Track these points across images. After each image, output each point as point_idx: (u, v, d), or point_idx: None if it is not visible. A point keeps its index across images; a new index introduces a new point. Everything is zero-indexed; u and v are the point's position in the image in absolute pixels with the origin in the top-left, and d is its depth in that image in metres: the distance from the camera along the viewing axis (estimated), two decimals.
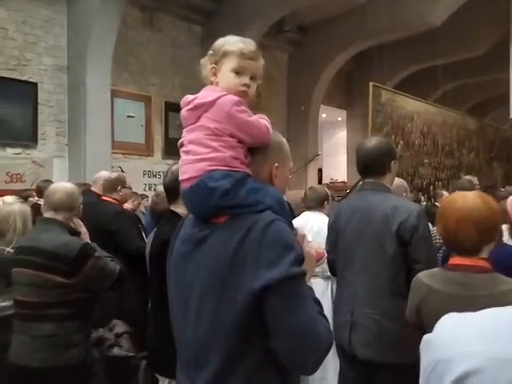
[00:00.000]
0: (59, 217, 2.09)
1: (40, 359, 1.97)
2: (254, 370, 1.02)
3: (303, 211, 3.42)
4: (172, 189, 1.91)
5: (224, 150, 1.05)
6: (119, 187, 3.21)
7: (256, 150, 1.11)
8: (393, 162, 2.03)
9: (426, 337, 0.68)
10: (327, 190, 3.45)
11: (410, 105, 7.43)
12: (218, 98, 1.06)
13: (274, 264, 0.98)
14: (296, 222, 3.12)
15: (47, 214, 2.11)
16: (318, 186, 3.72)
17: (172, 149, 7.51)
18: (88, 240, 2.20)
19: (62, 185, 2.23)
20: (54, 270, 1.95)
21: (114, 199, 3.20)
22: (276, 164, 1.12)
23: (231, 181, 1.03)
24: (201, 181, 1.05)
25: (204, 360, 1.06)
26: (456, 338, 0.62)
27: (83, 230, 2.22)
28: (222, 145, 1.05)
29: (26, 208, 2.49)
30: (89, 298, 2.08)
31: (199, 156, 1.06)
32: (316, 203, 3.29)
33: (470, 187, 3.60)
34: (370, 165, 2.02)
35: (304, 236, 1.16)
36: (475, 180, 4.03)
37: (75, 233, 2.14)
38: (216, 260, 1.04)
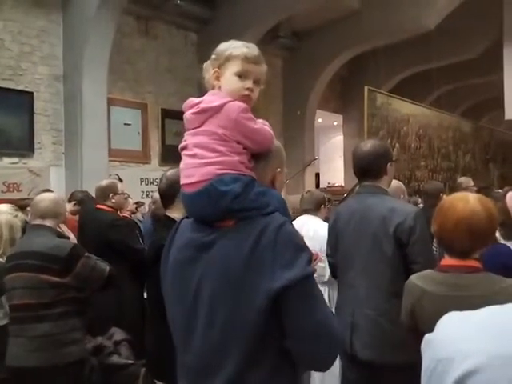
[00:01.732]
0: (48, 223, 2.20)
1: (37, 359, 2.02)
2: (270, 375, 1.02)
3: (300, 215, 3.38)
4: (167, 194, 1.90)
5: (232, 155, 1.05)
6: (111, 194, 3.20)
7: (259, 155, 1.12)
8: (389, 165, 2.03)
9: (426, 336, 0.68)
10: (324, 195, 3.43)
11: (406, 108, 7.46)
12: (225, 103, 1.06)
13: (291, 264, 1.00)
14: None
15: (36, 222, 2.22)
16: (314, 190, 3.71)
17: (169, 156, 7.52)
18: None
19: (47, 194, 2.39)
20: (48, 270, 2.04)
21: (108, 207, 3.20)
22: (279, 169, 1.15)
23: (241, 184, 1.04)
24: (210, 185, 1.04)
25: (217, 366, 1.04)
26: (457, 336, 0.62)
27: (71, 236, 2.33)
28: (230, 150, 1.05)
29: (14, 218, 2.61)
30: (82, 298, 2.17)
31: (207, 160, 1.05)
32: (313, 206, 3.26)
33: (436, 192, 3.61)
34: (366, 168, 2.02)
35: (302, 238, 1.18)
36: (470, 181, 4.02)
37: (64, 237, 2.25)
38: (229, 263, 1.03)
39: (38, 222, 2.20)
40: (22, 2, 6.23)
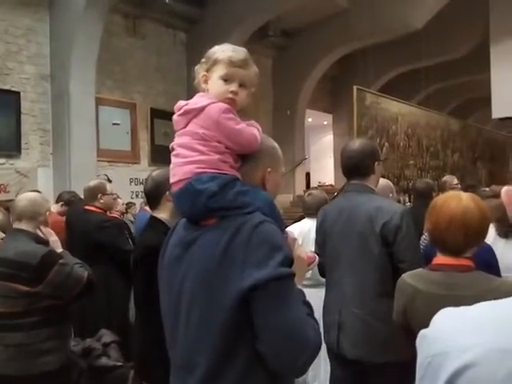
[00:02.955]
0: (24, 226, 2.08)
1: (14, 368, 1.96)
2: (244, 374, 1.02)
3: (303, 217, 3.28)
4: (153, 195, 1.88)
5: (212, 154, 1.06)
6: (99, 195, 3.17)
7: (248, 155, 1.12)
8: (376, 164, 2.04)
9: (422, 332, 0.67)
10: (326, 195, 3.29)
11: (394, 107, 7.51)
12: (208, 104, 1.08)
13: (261, 264, 0.98)
14: (297, 229, 3.03)
15: (14, 225, 2.12)
16: (316, 192, 3.51)
17: (158, 155, 7.48)
18: (59, 248, 2.19)
19: (26, 194, 2.23)
20: (18, 278, 1.94)
21: (96, 208, 3.17)
22: (269, 169, 1.14)
23: (219, 183, 1.04)
24: (189, 183, 1.06)
25: (193, 363, 1.05)
26: (452, 331, 0.61)
27: (53, 238, 2.20)
28: (210, 149, 1.07)
29: None
30: (60, 306, 2.06)
31: (187, 159, 1.07)
32: (315, 210, 3.15)
33: (428, 190, 3.61)
34: (354, 166, 2.03)
35: (295, 239, 1.17)
36: (454, 179, 4.02)
37: (43, 242, 2.12)
38: (204, 261, 1.04)
39: (15, 224, 2.11)
40: (7, 1, 6.16)
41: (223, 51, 1.13)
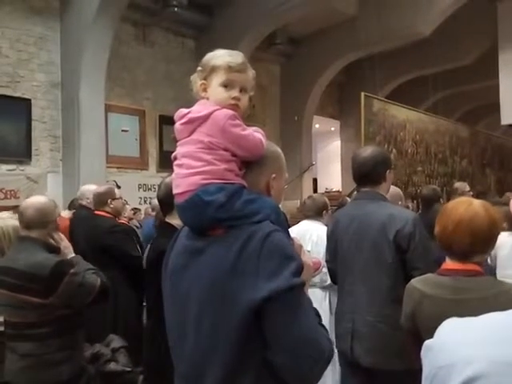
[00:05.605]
0: (34, 234, 2.01)
1: (28, 378, 1.93)
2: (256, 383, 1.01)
3: (301, 220, 3.37)
4: (166, 201, 1.90)
5: (218, 163, 1.05)
6: (109, 200, 3.19)
7: (252, 161, 1.11)
8: (388, 171, 2.04)
9: (426, 343, 0.67)
10: (326, 200, 3.39)
11: (402, 114, 7.47)
12: (212, 112, 1.07)
13: (274, 275, 0.97)
14: (294, 231, 3.11)
15: (23, 232, 2.04)
16: (316, 195, 3.63)
17: (167, 162, 7.49)
18: (71, 254, 2.14)
19: (34, 200, 2.09)
20: (29, 290, 1.88)
21: (106, 213, 3.19)
22: (273, 175, 1.12)
23: (226, 194, 1.03)
24: (196, 195, 1.04)
25: (203, 374, 1.04)
26: (457, 343, 0.61)
27: (64, 243, 2.14)
28: (216, 158, 1.05)
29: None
30: (72, 315, 2.01)
31: (193, 170, 1.05)
32: (314, 212, 3.24)
33: (435, 197, 3.59)
34: (366, 174, 2.02)
35: (301, 246, 1.15)
36: (466, 186, 4.00)
37: (53, 249, 2.06)
38: (214, 272, 1.03)
39: (24, 233, 2.02)
40: (19, 9, 6.26)
41: (219, 57, 1.11)
